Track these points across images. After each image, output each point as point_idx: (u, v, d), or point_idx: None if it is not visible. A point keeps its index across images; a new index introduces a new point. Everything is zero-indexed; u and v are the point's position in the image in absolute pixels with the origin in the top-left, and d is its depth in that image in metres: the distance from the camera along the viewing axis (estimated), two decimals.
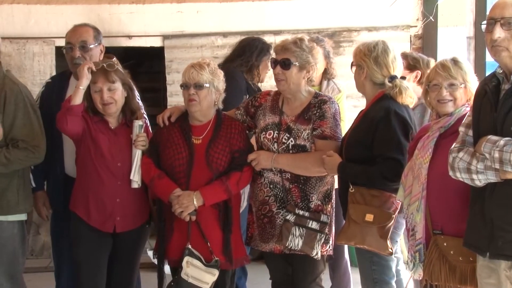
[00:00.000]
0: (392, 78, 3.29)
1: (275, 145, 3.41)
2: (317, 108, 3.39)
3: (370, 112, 3.33)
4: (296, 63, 3.37)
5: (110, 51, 4.61)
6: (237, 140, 3.44)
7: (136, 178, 3.44)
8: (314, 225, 3.34)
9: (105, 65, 3.45)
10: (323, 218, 3.37)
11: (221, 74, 3.49)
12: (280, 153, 3.39)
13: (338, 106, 3.49)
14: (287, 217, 3.34)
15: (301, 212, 3.34)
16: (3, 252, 3.47)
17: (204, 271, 3.30)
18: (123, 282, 3.61)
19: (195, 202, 3.31)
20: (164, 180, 3.39)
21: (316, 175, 3.39)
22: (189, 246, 3.32)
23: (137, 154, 3.46)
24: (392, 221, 3.19)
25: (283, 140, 3.40)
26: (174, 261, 3.40)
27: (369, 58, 3.29)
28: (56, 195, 3.82)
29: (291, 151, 3.38)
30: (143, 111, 3.81)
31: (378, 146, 3.21)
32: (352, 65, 3.41)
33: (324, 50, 4.22)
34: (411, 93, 3.28)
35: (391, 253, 3.21)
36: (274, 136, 3.42)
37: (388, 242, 3.18)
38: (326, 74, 4.29)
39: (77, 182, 3.55)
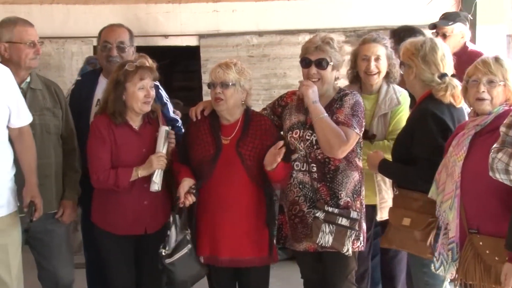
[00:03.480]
0: (442, 76, 3.22)
1: (302, 143, 3.40)
2: (338, 101, 3.40)
3: (412, 113, 3.31)
4: (331, 62, 3.37)
5: (146, 51, 4.67)
6: (268, 135, 3.44)
7: (157, 180, 3.41)
8: (344, 221, 3.32)
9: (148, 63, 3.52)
10: (353, 214, 3.35)
11: (248, 73, 3.49)
12: (318, 106, 3.33)
13: (361, 100, 3.44)
14: (317, 214, 3.34)
15: (330, 209, 3.34)
16: (66, 239, 3.71)
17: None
18: (152, 279, 3.65)
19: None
20: (182, 174, 3.42)
21: (329, 155, 3.34)
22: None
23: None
24: (432, 224, 3.12)
25: (307, 136, 3.39)
26: (205, 258, 3.44)
27: (417, 57, 3.25)
28: (83, 192, 3.87)
29: (315, 147, 3.38)
30: (175, 115, 3.87)
31: (416, 147, 3.19)
32: (401, 64, 3.38)
33: (387, 49, 3.80)
34: (458, 92, 3.18)
35: (432, 258, 3.11)
36: (301, 135, 3.42)
37: (429, 245, 3.11)
38: (389, 78, 3.82)
39: (98, 192, 3.56)
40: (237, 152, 3.38)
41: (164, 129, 3.51)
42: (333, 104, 3.40)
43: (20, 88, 3.54)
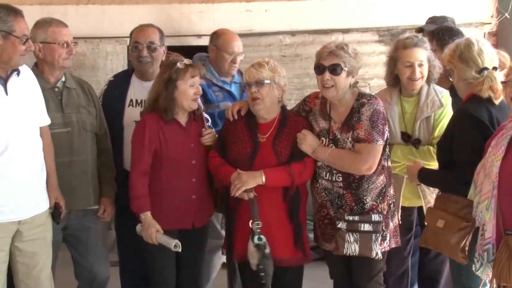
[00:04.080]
0: (482, 70, 3.16)
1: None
2: (357, 113, 3.34)
3: (452, 115, 3.31)
4: (346, 68, 3.32)
5: (179, 50, 4.69)
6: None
7: (174, 243, 3.40)
8: (366, 227, 3.30)
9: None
10: (375, 217, 3.33)
11: (282, 70, 3.49)
12: (323, 147, 3.37)
13: (380, 106, 3.37)
14: (339, 225, 3.32)
15: (351, 218, 3.31)
16: (102, 236, 3.79)
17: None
18: (192, 276, 3.70)
19: (261, 178, 3.31)
20: (227, 165, 3.44)
21: (355, 173, 3.34)
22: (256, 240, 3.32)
23: (159, 237, 3.46)
24: (466, 229, 3.06)
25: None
26: (239, 256, 3.45)
27: (455, 58, 3.21)
28: (118, 190, 3.91)
29: None
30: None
31: (455, 150, 3.15)
32: (448, 73, 3.33)
33: (427, 52, 3.75)
34: (498, 85, 3.11)
35: (464, 262, 3.08)
36: (326, 144, 3.40)
37: (461, 249, 3.06)
38: (429, 79, 3.76)
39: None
40: (273, 150, 3.38)
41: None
42: (353, 116, 3.35)
43: (56, 87, 3.62)
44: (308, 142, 3.38)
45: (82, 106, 3.68)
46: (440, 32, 4.27)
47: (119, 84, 4.01)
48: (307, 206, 3.54)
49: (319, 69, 3.36)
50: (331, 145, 3.38)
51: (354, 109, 3.36)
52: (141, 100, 3.94)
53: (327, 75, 3.32)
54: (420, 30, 4.61)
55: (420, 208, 3.79)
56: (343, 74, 3.32)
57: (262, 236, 3.30)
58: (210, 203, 3.66)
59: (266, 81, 3.37)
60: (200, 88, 3.53)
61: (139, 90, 3.97)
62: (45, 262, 3.38)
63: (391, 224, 3.44)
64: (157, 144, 3.48)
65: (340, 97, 3.37)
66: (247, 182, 3.31)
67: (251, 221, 3.32)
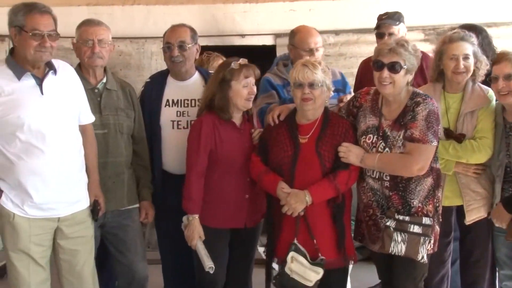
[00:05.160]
0: None
1: (373, 150, 3.36)
2: (411, 111, 3.30)
3: None
4: (405, 66, 3.28)
5: (223, 50, 4.72)
6: (343, 139, 3.41)
7: (210, 264, 3.45)
8: (416, 229, 3.26)
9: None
10: (425, 220, 3.29)
11: (330, 72, 3.47)
12: (370, 154, 3.33)
13: (435, 106, 3.32)
14: (387, 223, 3.29)
15: (401, 217, 3.28)
16: (139, 234, 3.81)
17: (309, 268, 3.30)
18: (241, 275, 3.74)
19: (306, 198, 3.30)
20: (270, 174, 3.43)
21: (406, 176, 3.30)
22: (296, 242, 3.33)
23: (199, 245, 3.52)
24: None
25: (379, 149, 3.34)
26: (281, 259, 3.43)
27: None
28: (155, 190, 3.95)
29: None
30: None
31: None
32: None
33: (474, 47, 3.67)
34: None
35: None
36: (373, 141, 3.36)
37: None
38: (475, 76, 3.69)
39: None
40: (316, 152, 3.37)
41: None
42: (406, 114, 3.31)
43: (96, 88, 3.67)
44: (354, 152, 3.35)
45: (120, 109, 3.73)
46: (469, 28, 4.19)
47: (155, 85, 4.04)
48: (351, 205, 3.52)
49: (378, 65, 3.34)
50: (380, 142, 3.34)
51: (408, 107, 3.33)
52: (177, 100, 3.98)
53: (386, 72, 3.30)
54: (377, 26, 4.60)
55: (458, 208, 3.73)
56: (402, 72, 3.29)
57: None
58: (263, 203, 3.66)
59: (320, 84, 3.37)
60: (254, 89, 3.55)
61: (174, 90, 4.00)
62: (86, 259, 3.43)
63: (436, 227, 3.39)
64: (212, 144, 3.51)
65: (397, 94, 3.35)
66: (296, 209, 3.33)
67: (296, 238, 3.34)
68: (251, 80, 3.54)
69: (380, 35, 4.42)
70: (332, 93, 3.53)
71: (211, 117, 3.55)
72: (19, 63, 3.20)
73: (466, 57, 3.63)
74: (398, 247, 3.26)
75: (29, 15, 3.15)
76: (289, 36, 4.22)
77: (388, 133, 3.34)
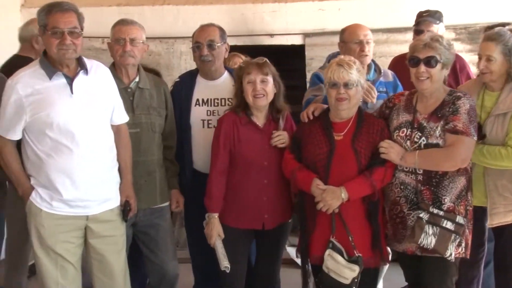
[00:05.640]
0: None
1: (408, 142, 3.33)
2: (451, 104, 3.28)
3: None
4: (441, 60, 3.28)
5: (252, 50, 4.73)
6: (379, 137, 3.39)
7: (225, 264, 3.47)
8: (449, 225, 3.23)
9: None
10: (459, 219, 3.25)
11: (364, 71, 3.47)
12: (410, 152, 3.30)
13: (474, 103, 3.32)
14: (420, 215, 3.26)
15: (435, 211, 3.25)
16: (170, 233, 3.85)
17: (344, 266, 3.29)
18: (267, 276, 3.73)
19: (342, 195, 3.30)
20: (304, 171, 3.42)
21: (448, 170, 3.27)
22: (333, 239, 3.32)
23: (217, 243, 3.53)
24: None
25: (415, 139, 3.31)
26: (315, 258, 3.42)
27: None
28: (186, 189, 3.98)
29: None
30: None
31: None
32: None
33: (501, 46, 3.52)
34: None
35: None
36: (407, 134, 3.34)
37: None
38: (509, 76, 3.54)
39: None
40: (352, 148, 3.36)
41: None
42: (445, 107, 3.29)
43: (129, 87, 3.69)
44: (395, 149, 3.33)
45: (153, 108, 3.76)
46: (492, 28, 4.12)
47: (185, 85, 4.06)
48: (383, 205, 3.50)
49: (414, 61, 3.33)
50: (416, 132, 3.31)
51: (446, 102, 3.32)
52: (207, 99, 3.99)
53: (422, 67, 3.29)
54: (417, 23, 4.55)
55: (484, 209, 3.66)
56: (438, 66, 3.29)
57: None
58: (285, 205, 3.65)
59: (355, 84, 3.36)
60: (263, 86, 3.50)
61: (204, 89, 4.02)
62: (117, 258, 3.45)
63: (467, 231, 3.35)
64: (231, 143, 3.52)
65: (434, 89, 3.33)
66: (332, 205, 3.31)
67: (332, 235, 3.33)
68: (256, 77, 3.51)
69: (418, 32, 4.36)
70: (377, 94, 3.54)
71: (232, 116, 3.57)
72: (51, 63, 3.25)
73: (488, 58, 3.55)
74: (428, 239, 3.23)
75: (50, 14, 3.19)
76: (339, 34, 4.20)
77: (425, 124, 3.32)
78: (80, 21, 3.23)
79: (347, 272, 3.29)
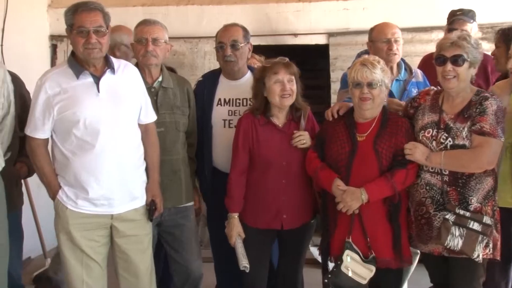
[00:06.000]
0: None
1: (433, 143, 3.30)
2: (478, 105, 3.23)
3: None
4: (468, 59, 3.24)
5: (276, 49, 4.73)
6: (402, 137, 3.36)
7: (245, 263, 3.48)
8: (475, 226, 3.19)
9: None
10: (486, 219, 3.21)
11: (388, 71, 3.45)
12: (435, 152, 3.27)
13: (501, 103, 3.26)
14: (446, 216, 3.22)
15: (461, 212, 3.21)
16: (194, 233, 3.86)
17: (363, 266, 3.28)
18: (289, 276, 3.71)
19: (362, 197, 3.29)
20: (326, 170, 3.41)
21: (474, 172, 3.23)
22: (350, 240, 3.31)
23: (237, 243, 3.54)
24: None
25: (441, 140, 3.28)
26: (336, 257, 3.41)
27: None
28: (206, 188, 3.99)
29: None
30: None
31: None
32: None
33: None
34: None
35: None
36: (433, 134, 3.31)
37: None
38: None
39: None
40: (374, 149, 3.34)
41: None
42: (472, 108, 3.25)
43: (152, 87, 3.70)
44: (420, 150, 3.29)
45: (177, 107, 3.77)
46: (507, 29, 4.06)
47: (207, 84, 4.06)
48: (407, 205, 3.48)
49: (440, 60, 3.30)
50: (442, 133, 3.28)
51: (473, 102, 3.27)
52: (229, 99, 3.99)
53: (449, 66, 3.25)
54: (451, 22, 4.51)
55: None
56: (465, 65, 3.24)
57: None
58: (306, 205, 3.64)
59: (379, 84, 3.34)
60: (290, 86, 3.50)
61: (226, 89, 4.01)
62: (141, 258, 3.45)
63: (495, 232, 3.30)
64: (250, 143, 3.53)
65: (461, 89, 3.30)
66: (351, 207, 3.31)
67: (350, 236, 3.32)
68: (284, 76, 3.50)
69: (452, 31, 4.31)
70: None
71: (251, 117, 3.58)
72: (78, 62, 3.28)
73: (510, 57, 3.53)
74: (455, 241, 3.20)
75: (76, 13, 3.21)
76: (368, 33, 4.18)
77: (451, 125, 3.28)
78: (106, 20, 3.26)
79: (365, 272, 3.29)
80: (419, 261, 3.68)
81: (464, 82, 3.28)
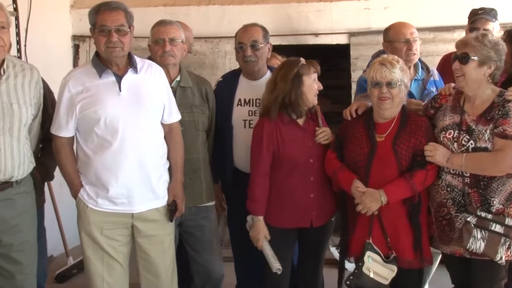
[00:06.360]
0: None
1: (455, 145, 3.26)
2: (501, 107, 3.19)
3: None
4: (475, 57, 3.19)
5: (297, 49, 4.72)
6: (422, 137, 3.34)
7: (278, 265, 3.46)
8: (497, 228, 3.16)
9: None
10: (508, 221, 3.17)
11: (407, 71, 3.42)
12: (457, 154, 3.23)
13: None
14: (468, 219, 3.19)
15: (483, 214, 3.18)
16: (215, 234, 3.87)
17: (383, 266, 3.27)
18: (311, 276, 3.71)
19: (381, 198, 3.27)
20: (345, 171, 3.40)
21: (496, 175, 3.19)
22: (370, 241, 3.30)
23: (265, 246, 3.53)
24: None
25: (463, 142, 3.24)
26: (356, 257, 3.40)
27: None
28: (227, 188, 4.00)
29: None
30: None
31: None
32: None
33: None
34: None
35: None
36: (454, 136, 3.28)
37: None
38: None
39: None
40: (393, 150, 3.32)
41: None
42: (494, 110, 3.21)
43: (171, 87, 3.71)
44: (441, 151, 3.27)
45: (195, 105, 3.78)
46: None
47: (227, 84, 4.07)
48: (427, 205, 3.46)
49: (452, 58, 3.29)
50: (464, 135, 3.25)
51: (496, 103, 3.23)
52: (249, 99, 3.99)
53: (456, 64, 3.25)
54: (473, 21, 4.43)
55: None
56: (472, 63, 3.21)
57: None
58: (331, 202, 3.64)
59: (398, 83, 3.32)
60: (318, 85, 3.54)
61: (247, 89, 4.02)
62: (162, 258, 3.46)
63: None
64: (275, 144, 3.52)
65: (472, 88, 3.26)
66: (371, 208, 3.30)
67: (370, 237, 3.32)
68: (316, 76, 3.55)
69: (473, 30, 4.26)
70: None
71: (275, 119, 3.56)
72: (101, 62, 3.31)
73: None
74: (477, 244, 3.17)
75: (99, 12, 3.25)
76: (383, 34, 4.16)
77: (473, 127, 3.25)
78: (128, 19, 3.28)
79: (387, 272, 3.29)
80: (440, 262, 3.65)
81: (474, 82, 3.24)
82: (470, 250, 3.20)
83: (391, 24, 4.16)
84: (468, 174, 3.25)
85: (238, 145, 3.93)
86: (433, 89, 3.95)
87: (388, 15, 5.70)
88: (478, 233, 3.17)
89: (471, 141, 3.23)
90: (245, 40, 3.95)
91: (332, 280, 3.99)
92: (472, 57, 3.19)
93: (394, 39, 4.00)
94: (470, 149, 3.23)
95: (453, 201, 3.30)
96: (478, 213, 3.19)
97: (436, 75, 4.05)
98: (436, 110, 3.43)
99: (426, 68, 4.06)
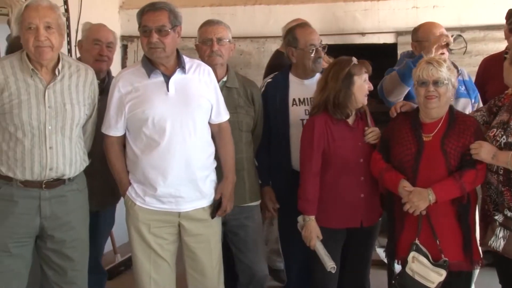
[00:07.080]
0: None
1: (493, 143, 3.23)
2: None
3: None
4: None
5: (343, 48, 4.69)
6: (471, 137, 3.29)
7: (332, 264, 3.45)
8: None
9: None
10: None
11: (455, 70, 3.37)
12: (504, 151, 3.17)
13: None
14: (496, 217, 3.17)
15: (509, 214, 3.13)
16: (259, 234, 3.89)
17: (431, 269, 3.22)
18: (357, 276, 3.71)
19: (429, 197, 3.22)
20: (392, 171, 3.37)
21: None
22: (417, 242, 3.26)
23: (318, 245, 3.50)
24: None
25: (497, 137, 3.20)
26: (403, 259, 3.37)
27: None
28: (282, 190, 3.98)
29: (503, 150, 3.17)
30: None
31: None
32: None
33: None
34: None
35: None
36: (495, 134, 3.25)
37: None
38: None
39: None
40: (442, 149, 3.27)
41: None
42: None
43: None
44: (486, 148, 3.22)
45: (240, 106, 3.78)
46: None
47: (279, 85, 4.06)
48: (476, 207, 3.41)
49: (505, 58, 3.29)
50: (499, 131, 3.21)
51: None
52: (304, 99, 3.98)
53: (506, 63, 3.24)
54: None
55: None
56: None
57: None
58: (379, 203, 3.64)
59: (445, 82, 3.28)
60: (371, 84, 3.53)
61: (299, 88, 4.02)
62: (208, 257, 3.48)
63: None
64: (325, 144, 3.51)
65: None
66: (419, 207, 3.26)
67: (418, 238, 3.28)
68: (366, 77, 3.53)
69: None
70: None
71: (323, 116, 3.55)
72: (150, 62, 3.35)
73: None
74: (498, 242, 3.16)
75: (143, 14, 3.30)
76: (411, 34, 4.11)
77: (510, 123, 3.21)
78: (171, 19, 3.30)
79: (434, 275, 3.23)
80: (491, 264, 3.58)
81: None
82: (491, 247, 3.17)
83: (420, 24, 4.11)
84: (501, 172, 3.19)
85: (296, 145, 3.91)
86: (462, 89, 3.90)
87: (436, 13, 5.62)
88: (500, 232, 3.16)
89: (504, 136, 3.19)
90: (316, 42, 3.96)
91: (378, 281, 3.98)
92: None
93: (424, 39, 3.96)
94: (502, 144, 3.19)
95: (490, 199, 3.27)
96: (505, 212, 3.16)
97: (465, 75, 3.99)
98: (498, 109, 3.40)
99: (455, 68, 3.99)
